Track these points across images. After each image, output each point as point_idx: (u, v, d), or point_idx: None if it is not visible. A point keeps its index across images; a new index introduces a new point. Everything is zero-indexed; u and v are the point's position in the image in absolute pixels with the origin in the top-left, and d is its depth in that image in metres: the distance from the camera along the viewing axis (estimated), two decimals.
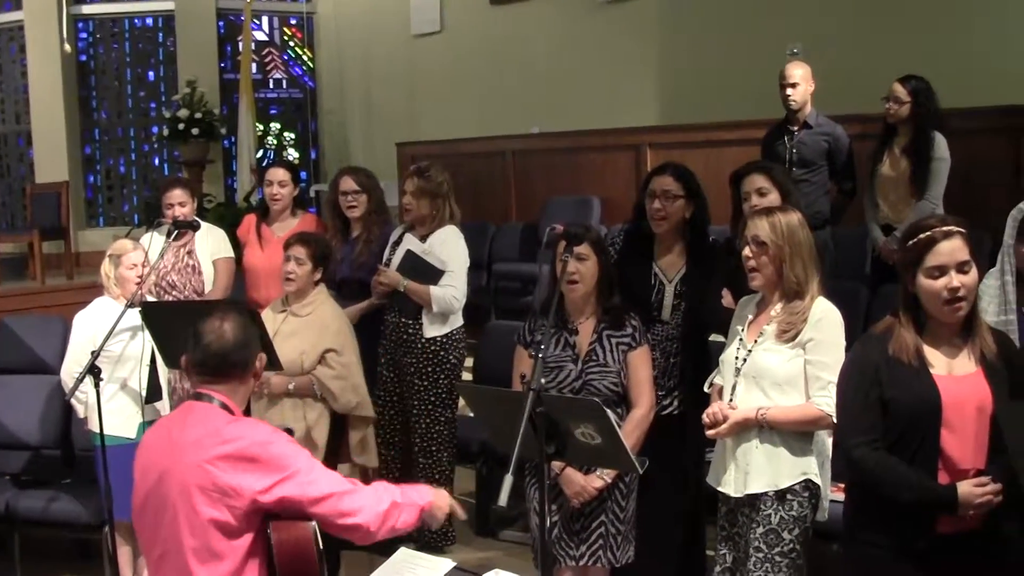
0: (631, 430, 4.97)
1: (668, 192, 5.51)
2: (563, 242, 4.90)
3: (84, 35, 14.71)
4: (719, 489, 4.60)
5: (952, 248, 3.73)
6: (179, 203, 7.12)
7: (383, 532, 3.56)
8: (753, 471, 4.43)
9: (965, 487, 3.70)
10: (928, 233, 3.76)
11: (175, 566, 3.48)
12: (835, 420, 4.22)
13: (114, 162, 15.03)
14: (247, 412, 3.79)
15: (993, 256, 4.54)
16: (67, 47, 12.94)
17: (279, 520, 3.48)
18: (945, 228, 3.76)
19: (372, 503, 3.51)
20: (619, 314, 5.14)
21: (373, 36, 14.26)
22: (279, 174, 7.49)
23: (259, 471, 3.39)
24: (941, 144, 7.07)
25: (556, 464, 4.79)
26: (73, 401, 5.98)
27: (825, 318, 4.38)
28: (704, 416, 4.52)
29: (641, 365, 5.12)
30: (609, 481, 4.99)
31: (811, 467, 4.43)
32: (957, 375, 3.80)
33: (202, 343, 3.59)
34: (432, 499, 3.77)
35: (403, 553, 4.11)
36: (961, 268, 3.72)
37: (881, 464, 3.80)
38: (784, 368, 4.40)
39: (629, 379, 5.08)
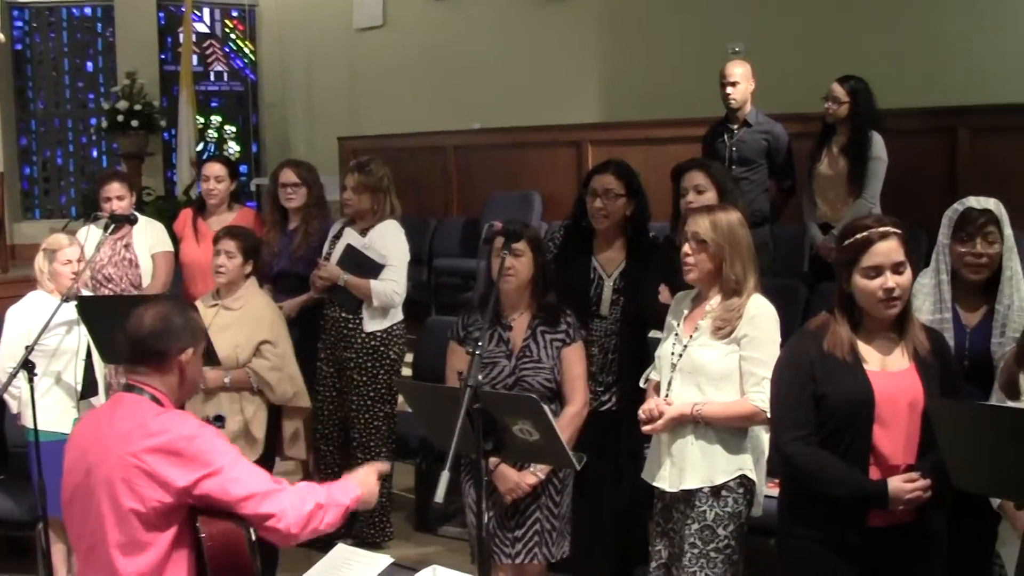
0: (564, 426, 4.94)
1: (610, 191, 5.54)
2: (501, 239, 4.90)
3: (19, 23, 14.53)
4: (654, 485, 4.62)
5: (888, 249, 3.77)
6: (116, 196, 7.07)
7: (305, 534, 3.51)
8: (688, 467, 4.45)
9: (896, 482, 3.76)
10: (864, 233, 3.80)
11: (101, 558, 3.46)
12: (770, 416, 4.27)
13: (51, 154, 14.87)
14: (181, 406, 3.76)
15: (929, 255, 4.59)
16: (1, 36, 12.77)
17: (207, 513, 3.46)
18: (881, 229, 3.80)
19: (295, 505, 3.46)
20: (554, 311, 5.13)
21: (315, 30, 14.21)
22: (215, 169, 7.48)
23: (183, 466, 3.36)
24: (878, 144, 7.14)
25: (491, 460, 4.79)
26: (6, 396, 5.92)
27: (760, 314, 4.42)
28: (640, 412, 4.54)
29: (575, 361, 5.11)
30: (543, 477, 4.99)
31: (746, 463, 4.46)
32: (890, 371, 3.85)
33: (124, 330, 3.60)
34: (360, 493, 3.75)
35: (341, 550, 4.10)
36: (896, 269, 3.77)
37: (814, 459, 3.85)
38: (719, 364, 4.43)
39: (563, 375, 5.08)
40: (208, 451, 3.39)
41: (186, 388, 3.70)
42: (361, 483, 3.79)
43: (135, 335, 3.57)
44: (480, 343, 4.05)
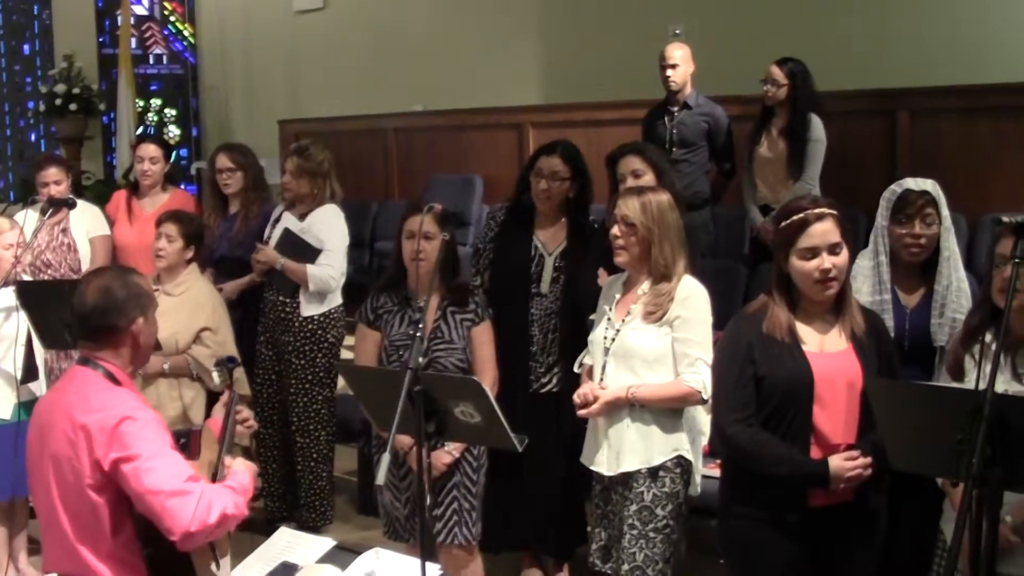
0: None
1: (556, 173, 5.58)
2: (416, 219, 4.92)
3: None
4: (592, 468, 4.65)
5: (824, 230, 3.81)
6: (54, 182, 6.98)
7: (198, 543, 3.39)
8: (626, 449, 4.48)
9: (836, 461, 3.80)
10: (801, 215, 3.84)
11: (57, 528, 3.47)
12: (704, 397, 4.32)
13: None
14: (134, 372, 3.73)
15: (868, 236, 4.62)
16: None
17: None
18: (817, 210, 3.84)
19: (198, 515, 3.31)
20: (462, 291, 5.17)
21: (255, 12, 14.08)
22: (150, 150, 7.41)
23: (107, 444, 3.33)
24: (817, 126, 7.19)
25: (405, 441, 4.78)
26: None
27: (692, 296, 4.45)
28: (575, 397, 4.57)
29: (485, 341, 5.15)
30: (457, 455, 5.03)
31: (682, 443, 4.49)
32: (828, 352, 3.89)
33: (71, 308, 3.58)
34: (248, 490, 3.66)
35: (283, 533, 4.11)
36: (832, 250, 3.81)
37: (755, 440, 3.88)
38: (652, 346, 4.46)
39: (473, 355, 5.12)
40: (133, 435, 3.34)
41: (141, 354, 3.67)
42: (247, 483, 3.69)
43: (80, 313, 3.54)
44: (421, 324, 4.05)
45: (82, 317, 3.55)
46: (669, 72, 7.65)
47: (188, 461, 3.50)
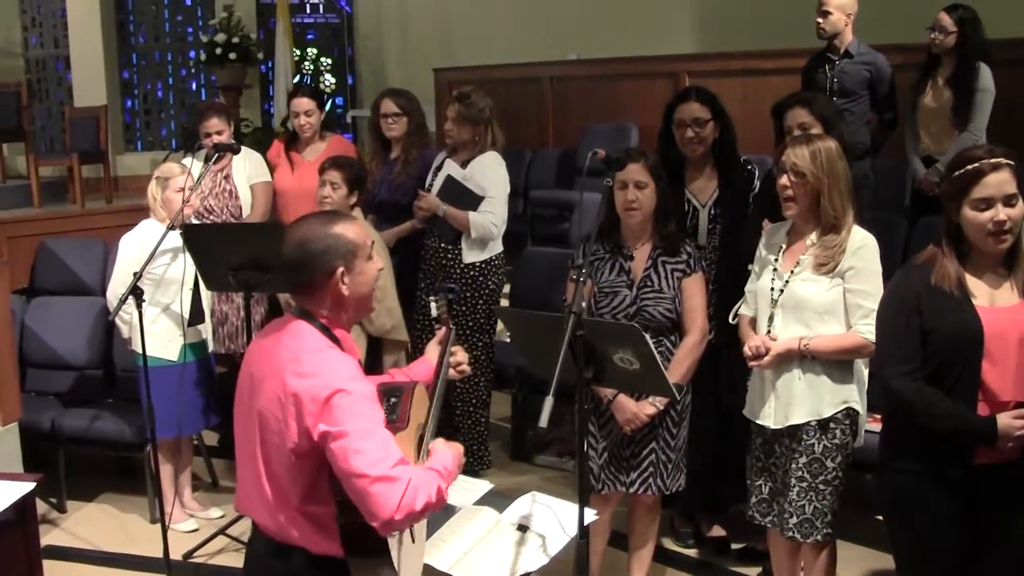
0: (683, 357, 4.97)
1: (699, 118, 5.54)
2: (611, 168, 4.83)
3: None
4: (758, 422, 4.64)
5: (1000, 180, 3.70)
6: (216, 132, 7.08)
7: (399, 528, 3.24)
8: (795, 402, 4.47)
9: (1005, 419, 3.69)
10: (976, 164, 3.73)
11: (252, 476, 3.40)
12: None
13: (152, 87, 15.00)
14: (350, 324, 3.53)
15: None
16: None
17: None
18: (993, 160, 3.72)
19: (405, 503, 3.11)
20: (674, 240, 5.08)
21: None
22: (303, 104, 7.45)
23: (318, 415, 3.16)
24: (986, 75, 7.01)
25: (608, 391, 4.81)
26: (117, 321, 6.10)
27: (864, 246, 4.40)
28: (746, 349, 4.54)
29: (695, 292, 5.06)
30: (661, 408, 4.96)
31: (852, 395, 4.46)
32: (999, 306, 3.79)
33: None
34: (452, 474, 3.45)
35: None
36: (1008, 201, 3.70)
37: (920, 394, 3.80)
38: (824, 297, 4.42)
39: (683, 306, 5.03)
40: (344, 410, 3.16)
41: (352, 305, 3.45)
42: (454, 462, 3.49)
43: (283, 265, 3.43)
44: (584, 271, 4.05)
45: (284, 271, 3.44)
46: (820, 20, 7.48)
47: (398, 430, 3.34)
